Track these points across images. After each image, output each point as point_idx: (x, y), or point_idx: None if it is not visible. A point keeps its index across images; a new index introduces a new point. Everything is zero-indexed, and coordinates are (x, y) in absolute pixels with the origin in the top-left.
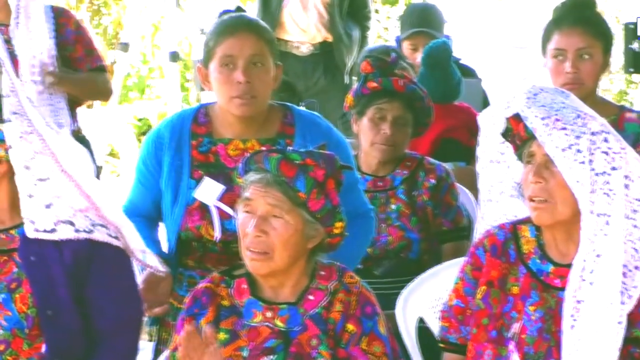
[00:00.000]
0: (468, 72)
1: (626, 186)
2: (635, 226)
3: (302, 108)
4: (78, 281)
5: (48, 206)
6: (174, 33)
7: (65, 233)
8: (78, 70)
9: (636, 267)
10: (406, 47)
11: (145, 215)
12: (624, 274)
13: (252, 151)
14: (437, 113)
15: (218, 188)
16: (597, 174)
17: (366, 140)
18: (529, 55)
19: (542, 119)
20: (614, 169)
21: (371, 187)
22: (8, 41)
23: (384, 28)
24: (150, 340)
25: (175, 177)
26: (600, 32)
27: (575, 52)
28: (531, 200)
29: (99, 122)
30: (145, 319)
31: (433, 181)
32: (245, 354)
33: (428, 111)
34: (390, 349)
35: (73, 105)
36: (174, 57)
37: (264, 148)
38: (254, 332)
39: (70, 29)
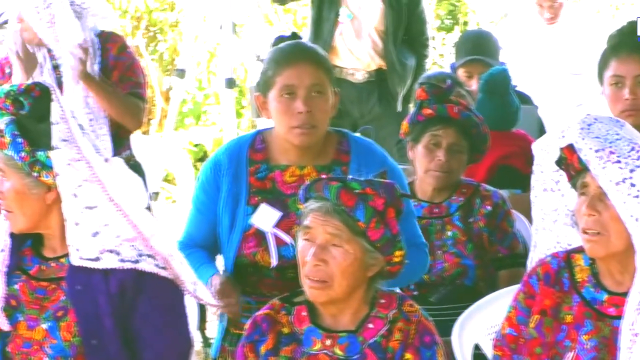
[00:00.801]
0: (524, 99)
1: None
2: None
3: (358, 134)
4: (124, 311)
5: (94, 234)
6: (229, 59)
7: (110, 262)
8: None
9: None
10: (461, 74)
11: (203, 246)
12: None
13: (308, 178)
14: (494, 140)
15: (275, 215)
16: None
17: (421, 167)
18: (585, 82)
19: (596, 151)
20: None
21: (427, 214)
22: (56, 67)
23: (439, 55)
24: None
25: (232, 203)
26: None
27: (633, 79)
28: (584, 232)
29: (155, 147)
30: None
31: (489, 208)
32: None
33: (484, 138)
34: None
35: (124, 132)
36: (230, 83)
37: (321, 175)
38: (313, 359)
39: (112, 54)
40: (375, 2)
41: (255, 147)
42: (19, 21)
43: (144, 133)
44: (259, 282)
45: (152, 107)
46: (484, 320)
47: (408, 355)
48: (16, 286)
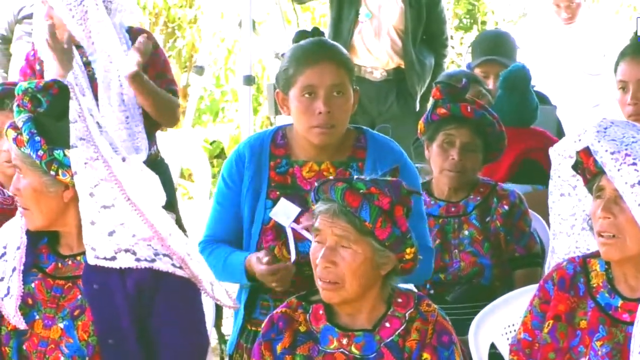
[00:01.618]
0: (542, 99)
1: None
2: None
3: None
4: (141, 311)
5: (110, 234)
6: (248, 57)
7: (125, 261)
8: None
9: None
10: (477, 74)
11: (226, 240)
12: None
13: (326, 173)
14: (514, 135)
15: (294, 210)
16: None
17: (436, 166)
18: (602, 83)
19: (612, 153)
20: None
21: (444, 213)
22: (88, 63)
23: (457, 54)
24: None
25: (253, 196)
26: None
27: (636, 83)
28: (600, 235)
29: (172, 144)
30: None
31: (506, 207)
32: None
33: (500, 136)
34: None
35: (152, 128)
36: (248, 80)
37: (333, 175)
38: (330, 358)
39: None
40: (394, 1)
41: (276, 142)
42: (48, 18)
43: (162, 130)
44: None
45: None
46: (500, 319)
47: (425, 355)
48: (33, 284)
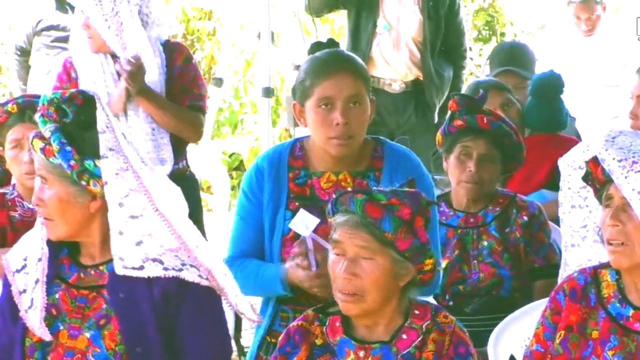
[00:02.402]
0: None
1: None
2: None
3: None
4: (167, 319)
5: (138, 244)
6: (267, 68)
7: (153, 271)
8: None
9: None
10: None
11: (251, 255)
12: None
13: (344, 183)
14: (548, 142)
15: (313, 221)
16: None
17: (453, 178)
18: (621, 94)
19: (619, 161)
20: None
21: (462, 224)
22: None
23: (476, 65)
24: None
25: (273, 208)
26: None
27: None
28: (609, 243)
29: (191, 157)
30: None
31: (525, 218)
32: None
33: (518, 147)
34: None
35: (181, 142)
36: (267, 92)
37: (351, 185)
38: None
39: (178, 64)
40: (413, 13)
41: (294, 154)
42: (85, 28)
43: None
44: (298, 288)
45: None
46: (519, 331)
47: None
48: (56, 295)
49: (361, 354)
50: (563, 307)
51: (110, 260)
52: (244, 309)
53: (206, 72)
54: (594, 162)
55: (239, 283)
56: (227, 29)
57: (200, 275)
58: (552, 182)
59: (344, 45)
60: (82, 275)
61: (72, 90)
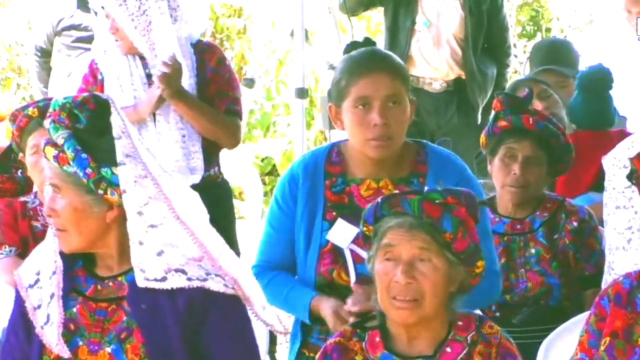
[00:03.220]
0: None
1: None
2: None
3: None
4: (192, 330)
5: (159, 254)
6: (300, 68)
7: (176, 282)
8: None
9: None
10: None
11: (280, 266)
12: None
13: (385, 191)
14: (595, 140)
15: (352, 231)
16: None
17: (497, 182)
18: None
19: None
20: None
21: (509, 230)
22: (150, 76)
23: (520, 63)
24: None
25: (308, 218)
26: None
27: None
28: None
29: (222, 161)
30: None
31: (575, 224)
32: None
33: (566, 148)
34: None
35: (212, 148)
36: (301, 93)
37: (396, 191)
38: None
39: (211, 66)
40: (454, 8)
41: (331, 159)
42: (112, 31)
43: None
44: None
45: None
46: (570, 342)
47: None
48: (74, 309)
49: None
50: (608, 313)
51: (129, 271)
52: (271, 319)
53: (236, 73)
54: (639, 158)
55: (266, 296)
56: (258, 26)
57: (225, 285)
58: (600, 183)
59: (381, 44)
60: (99, 287)
61: (84, 94)
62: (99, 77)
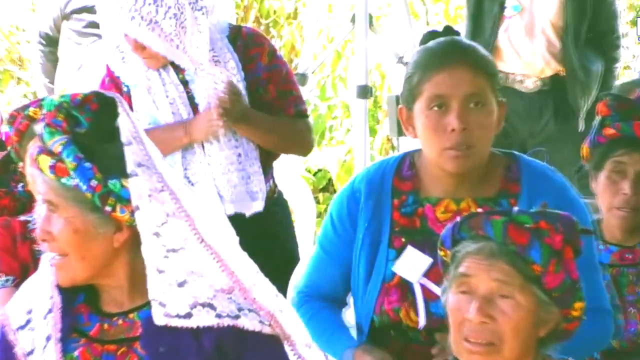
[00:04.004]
0: None
1: None
2: None
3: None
4: None
5: (181, 284)
6: (363, 61)
7: (204, 319)
8: None
9: None
10: None
11: (329, 296)
12: None
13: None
14: None
15: (424, 261)
16: None
17: (604, 202)
18: None
19: None
20: None
21: (617, 261)
22: (185, 83)
23: (633, 56)
24: None
25: (370, 245)
26: None
27: None
28: None
29: None
30: None
31: None
32: None
33: None
34: None
35: (267, 159)
36: (363, 92)
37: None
38: None
39: (262, 63)
40: None
41: (401, 174)
42: (135, 49)
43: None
44: (404, 348)
45: None
46: None
47: None
48: (75, 353)
49: None
50: None
51: (143, 306)
52: None
53: None
54: None
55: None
56: (312, 10)
57: (261, 321)
58: None
59: (462, 32)
60: (106, 326)
61: (85, 92)
62: (124, 88)
